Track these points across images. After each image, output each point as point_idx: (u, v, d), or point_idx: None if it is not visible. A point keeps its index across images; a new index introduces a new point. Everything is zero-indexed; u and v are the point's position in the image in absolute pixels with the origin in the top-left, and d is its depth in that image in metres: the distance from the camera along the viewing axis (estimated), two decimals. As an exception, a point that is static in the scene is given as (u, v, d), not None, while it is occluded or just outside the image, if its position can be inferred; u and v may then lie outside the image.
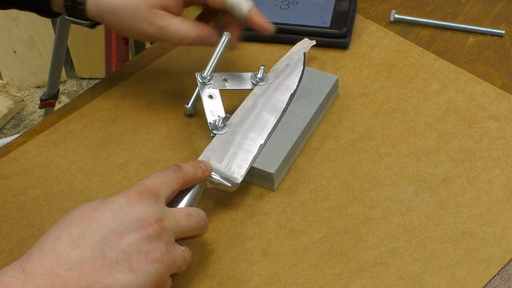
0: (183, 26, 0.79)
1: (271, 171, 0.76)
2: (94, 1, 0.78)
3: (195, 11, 0.86)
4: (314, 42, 0.88)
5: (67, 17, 0.80)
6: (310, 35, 0.89)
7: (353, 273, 0.71)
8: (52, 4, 0.80)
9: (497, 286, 0.70)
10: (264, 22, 0.81)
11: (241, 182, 0.75)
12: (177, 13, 0.80)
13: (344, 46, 0.91)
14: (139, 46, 2.04)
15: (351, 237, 0.73)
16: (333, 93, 0.85)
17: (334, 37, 0.90)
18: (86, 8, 0.78)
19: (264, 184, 0.78)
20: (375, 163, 0.80)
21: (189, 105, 0.83)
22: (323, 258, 0.72)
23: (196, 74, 0.81)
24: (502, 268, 0.71)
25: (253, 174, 0.77)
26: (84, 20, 0.80)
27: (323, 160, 0.80)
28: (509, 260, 0.71)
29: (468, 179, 0.78)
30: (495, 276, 0.70)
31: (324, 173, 0.79)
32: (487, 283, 0.70)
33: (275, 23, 0.90)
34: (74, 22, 0.81)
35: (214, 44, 0.81)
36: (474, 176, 0.78)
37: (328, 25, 0.91)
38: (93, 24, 0.81)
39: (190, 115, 0.85)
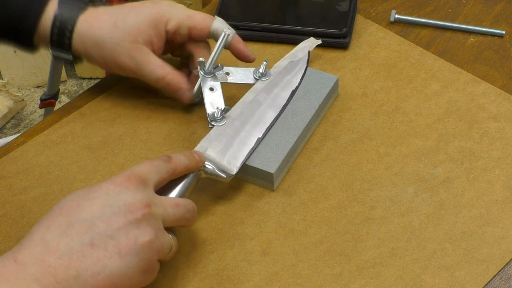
0: (159, 68, 0.81)
1: (271, 171, 0.76)
2: (80, 33, 0.80)
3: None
4: (319, 41, 0.88)
5: (50, 50, 0.82)
6: (310, 35, 0.89)
7: (353, 273, 0.71)
8: (36, 35, 0.81)
9: (497, 286, 0.70)
10: (246, 49, 0.83)
11: (236, 174, 0.75)
12: (158, 49, 0.82)
13: (344, 46, 0.91)
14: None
15: (351, 237, 0.73)
16: (333, 93, 0.85)
17: (334, 37, 0.90)
18: (72, 38, 0.80)
19: (264, 184, 0.78)
20: (375, 163, 0.80)
21: (193, 94, 0.84)
22: (323, 258, 0.72)
23: (198, 67, 0.81)
24: (502, 268, 0.71)
25: (253, 174, 0.77)
26: (67, 52, 0.82)
27: (323, 160, 0.80)
28: (509, 261, 0.71)
29: (468, 179, 0.78)
30: (495, 276, 0.70)
31: (324, 173, 0.79)
32: (487, 283, 0.70)
33: (274, 24, 0.91)
34: (55, 56, 0.82)
35: (184, 98, 0.83)
36: (474, 176, 0.78)
37: (328, 25, 0.91)
38: (74, 58, 0.83)
39: (193, 105, 0.85)
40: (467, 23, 0.94)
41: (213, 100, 0.80)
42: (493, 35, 0.92)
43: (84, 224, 0.62)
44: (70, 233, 0.62)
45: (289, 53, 0.86)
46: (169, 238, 0.66)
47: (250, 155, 0.77)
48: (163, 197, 0.67)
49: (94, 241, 0.62)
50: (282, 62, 0.85)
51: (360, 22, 0.94)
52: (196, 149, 0.76)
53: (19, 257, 0.60)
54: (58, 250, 0.61)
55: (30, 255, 0.60)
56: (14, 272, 0.60)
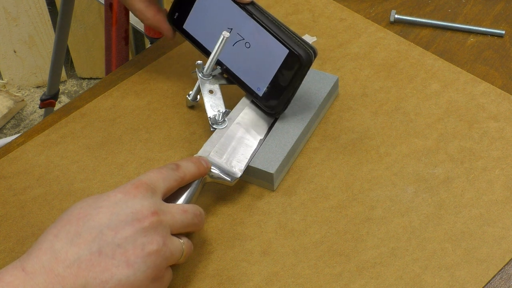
0: (141, 14, 0.82)
1: (271, 171, 0.76)
2: None
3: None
4: (314, 39, 0.88)
5: None
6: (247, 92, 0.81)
7: (353, 273, 0.71)
8: None
9: (497, 286, 0.70)
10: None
11: (240, 177, 0.75)
12: None
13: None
14: (139, 46, 2.03)
15: (351, 237, 0.73)
16: (333, 93, 0.85)
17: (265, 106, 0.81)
18: None
19: (264, 184, 0.78)
20: (375, 163, 0.80)
21: (191, 97, 0.84)
22: (323, 258, 0.72)
23: (196, 70, 0.81)
24: (502, 268, 0.71)
25: (253, 174, 0.77)
26: None
27: (323, 160, 0.80)
28: (509, 260, 0.71)
29: (468, 179, 0.78)
30: (495, 276, 0.70)
31: (324, 173, 0.79)
32: (487, 283, 0.70)
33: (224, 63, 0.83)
34: None
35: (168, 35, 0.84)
36: (474, 176, 0.78)
37: (261, 93, 0.80)
38: None
39: (191, 107, 0.85)
40: (467, 23, 0.94)
41: (213, 103, 0.80)
42: (493, 35, 0.92)
43: (92, 233, 0.62)
44: (78, 242, 0.62)
45: None
46: (178, 243, 0.66)
47: (253, 156, 0.77)
48: (170, 204, 0.67)
49: (102, 250, 0.62)
50: None
51: (360, 22, 0.94)
52: (199, 153, 0.76)
53: (27, 266, 0.60)
54: (66, 259, 0.61)
55: (38, 264, 0.60)
56: (22, 281, 0.60)
